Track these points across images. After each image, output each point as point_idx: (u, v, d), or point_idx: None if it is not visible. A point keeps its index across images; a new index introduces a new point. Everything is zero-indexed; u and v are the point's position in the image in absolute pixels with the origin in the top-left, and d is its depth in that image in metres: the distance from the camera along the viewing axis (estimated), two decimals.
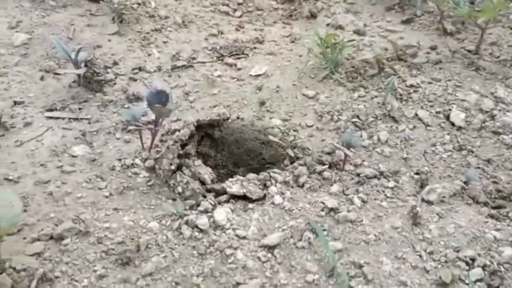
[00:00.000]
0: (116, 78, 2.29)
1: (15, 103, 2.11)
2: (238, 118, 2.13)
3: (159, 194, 1.80)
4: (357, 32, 2.73)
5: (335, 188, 1.83)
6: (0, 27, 2.48)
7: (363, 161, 1.96)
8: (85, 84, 2.23)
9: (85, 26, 2.57)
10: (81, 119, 2.09)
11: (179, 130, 2.02)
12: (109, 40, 2.50)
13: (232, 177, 2.02)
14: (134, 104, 2.12)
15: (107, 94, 2.21)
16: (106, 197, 1.76)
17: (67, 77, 2.28)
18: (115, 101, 2.18)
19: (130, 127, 1.90)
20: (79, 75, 2.23)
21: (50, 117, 2.08)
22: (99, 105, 2.16)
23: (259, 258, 1.55)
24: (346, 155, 1.90)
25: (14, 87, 2.21)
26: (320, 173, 1.90)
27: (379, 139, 2.05)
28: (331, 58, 2.33)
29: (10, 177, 1.80)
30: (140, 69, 2.34)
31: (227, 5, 2.85)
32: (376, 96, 2.22)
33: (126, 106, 2.13)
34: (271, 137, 2.04)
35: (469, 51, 2.60)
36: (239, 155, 2.14)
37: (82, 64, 2.21)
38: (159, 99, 1.84)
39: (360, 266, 1.55)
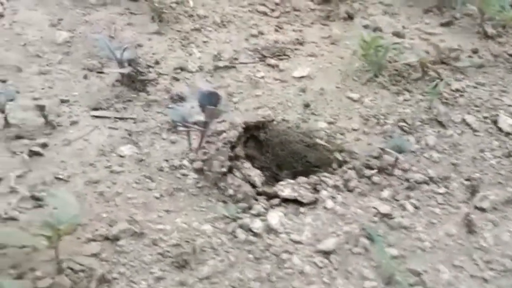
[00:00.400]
0: (158, 77, 2.28)
1: (62, 101, 2.12)
2: (283, 120, 2.12)
3: (208, 196, 1.79)
4: (396, 34, 2.69)
5: (385, 193, 1.81)
6: (42, 24, 2.49)
7: (411, 166, 1.93)
8: (129, 83, 2.23)
9: (125, 24, 2.56)
10: (127, 118, 2.08)
11: (225, 132, 2.02)
12: (150, 39, 2.50)
13: (276, 179, 2.01)
14: (178, 104, 2.11)
15: (150, 94, 2.20)
16: (157, 198, 1.76)
17: (110, 76, 2.27)
18: (159, 101, 2.17)
19: (180, 128, 1.89)
20: (122, 74, 2.23)
21: (96, 116, 2.08)
22: (143, 104, 2.15)
23: (315, 263, 1.54)
24: (396, 159, 1.88)
25: (58, 86, 2.22)
26: (369, 177, 1.88)
27: (427, 144, 2.02)
28: (375, 61, 2.30)
29: (61, 176, 1.80)
30: (181, 69, 2.33)
31: (264, 5, 2.83)
32: (421, 100, 2.20)
33: (170, 106, 2.13)
34: (318, 140, 2.02)
35: (511, 55, 2.57)
36: (283, 157, 2.12)
37: (126, 64, 2.21)
38: (210, 100, 1.83)
39: (418, 274, 1.53)
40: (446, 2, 2.99)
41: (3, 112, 1.96)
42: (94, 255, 1.52)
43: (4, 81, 2.20)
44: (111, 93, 2.19)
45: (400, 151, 1.89)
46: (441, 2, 2.95)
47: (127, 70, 2.18)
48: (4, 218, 1.61)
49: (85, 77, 2.27)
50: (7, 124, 1.99)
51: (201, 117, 1.88)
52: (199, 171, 1.87)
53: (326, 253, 1.57)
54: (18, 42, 2.38)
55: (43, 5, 2.62)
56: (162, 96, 2.20)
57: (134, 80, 2.23)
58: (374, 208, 1.73)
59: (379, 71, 2.31)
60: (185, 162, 1.90)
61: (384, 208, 1.72)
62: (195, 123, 1.93)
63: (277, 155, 2.12)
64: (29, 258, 1.50)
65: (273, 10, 2.82)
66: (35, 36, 2.42)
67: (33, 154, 1.87)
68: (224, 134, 1.96)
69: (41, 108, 1.98)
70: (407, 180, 1.87)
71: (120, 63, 2.19)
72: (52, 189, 1.74)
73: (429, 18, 2.89)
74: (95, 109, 2.11)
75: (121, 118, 2.08)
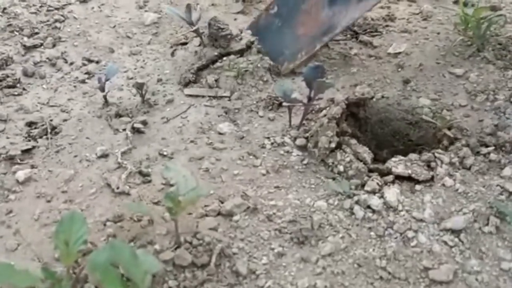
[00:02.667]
0: (241, 33, 2.22)
1: (157, 80, 2.10)
2: (382, 97, 2.02)
3: (316, 173, 1.71)
4: (493, 8, 2.53)
5: (507, 171, 1.67)
6: (129, 6, 2.50)
7: None
8: (211, 43, 2.17)
9: (209, 5, 2.54)
10: (221, 97, 2.04)
11: (324, 109, 1.95)
12: (235, 19, 2.45)
13: (376, 160, 1.92)
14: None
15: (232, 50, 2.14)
16: (263, 175, 1.70)
17: (192, 44, 2.23)
18: (250, 70, 2.11)
19: (284, 103, 1.83)
20: (201, 37, 2.17)
21: (190, 95, 2.05)
22: (235, 76, 2.09)
23: (445, 242, 1.44)
24: None
25: (149, 65, 2.21)
26: (485, 155, 1.75)
27: None
28: (478, 35, 2.16)
29: (165, 153, 1.78)
30: None
31: None
32: None
33: (266, 80, 2.06)
34: (424, 117, 1.91)
35: None
36: (383, 136, 2.01)
37: (206, 25, 2.16)
38: (316, 73, 1.76)
39: None
40: None
41: (103, 90, 1.97)
42: (211, 230, 1.48)
43: (98, 62, 2.21)
44: (194, 58, 2.15)
45: None
46: None
47: (197, 26, 2.11)
48: (117, 193, 1.60)
49: (172, 54, 2.25)
50: (106, 103, 1.99)
51: (300, 96, 1.82)
52: (302, 148, 1.80)
53: (455, 232, 1.46)
54: (108, 24, 2.39)
55: None
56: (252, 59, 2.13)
57: (217, 38, 2.17)
58: (499, 186, 1.61)
59: (482, 45, 2.17)
60: (287, 139, 1.84)
61: (511, 186, 1.59)
62: (296, 100, 1.87)
63: (376, 134, 2.02)
64: (145, 231, 1.48)
65: None
66: (124, 18, 2.43)
67: (135, 131, 1.87)
68: (324, 111, 1.89)
69: (139, 86, 1.97)
70: None
71: (191, 24, 2.14)
72: (158, 165, 1.73)
73: None
74: (186, 85, 2.09)
75: (215, 97, 2.05)
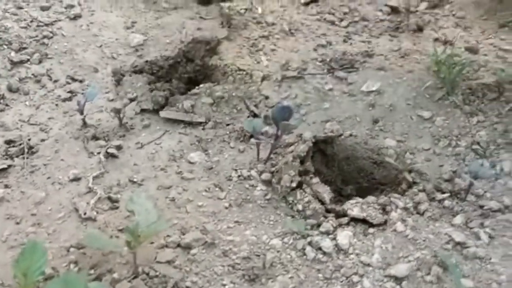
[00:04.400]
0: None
1: (134, 103, 2.18)
2: (351, 135, 2.10)
3: (277, 209, 1.80)
4: (470, 49, 2.60)
5: (458, 219, 1.76)
6: (117, 27, 2.58)
7: (485, 192, 1.87)
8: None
9: (196, 29, 2.61)
10: (196, 123, 2.13)
11: (293, 144, 2.03)
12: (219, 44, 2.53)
13: (340, 194, 2.00)
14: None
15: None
16: (226, 208, 1.78)
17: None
18: (226, 99, 2.20)
19: (253, 140, 1.91)
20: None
21: (167, 120, 2.13)
22: (211, 103, 2.17)
23: None
24: (470, 184, 1.82)
25: (131, 87, 2.29)
26: (440, 201, 1.83)
27: (502, 170, 1.95)
28: (449, 79, 2.24)
29: (135, 180, 1.86)
30: (250, 76, 2.35)
31: (333, 14, 2.81)
32: (496, 123, 2.12)
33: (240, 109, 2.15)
34: (387, 158, 1.99)
35: None
36: (348, 172, 2.10)
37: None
38: (284, 114, 1.84)
39: None
40: None
41: (82, 113, 2.05)
42: (169, 262, 1.56)
43: (81, 81, 2.29)
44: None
45: (475, 176, 1.83)
46: None
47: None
48: (83, 218, 1.69)
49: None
50: (84, 125, 2.08)
51: (271, 130, 1.90)
52: (267, 182, 1.89)
53: (398, 279, 1.54)
54: (95, 43, 2.47)
55: (118, 7, 2.71)
56: (230, 92, 2.22)
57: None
58: (447, 235, 1.69)
59: (452, 89, 2.25)
60: (253, 172, 1.92)
61: (458, 236, 1.67)
62: (261, 134, 1.95)
63: (342, 170, 2.10)
64: (106, 259, 1.56)
65: (341, 20, 2.79)
66: (111, 38, 2.51)
67: (109, 155, 1.95)
68: (292, 147, 1.97)
69: (117, 111, 2.05)
70: (480, 207, 1.81)
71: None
72: (127, 191, 1.81)
73: (504, 34, 2.78)
74: (162, 107, 2.17)
75: (190, 123, 2.13)
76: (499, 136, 2.07)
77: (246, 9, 2.71)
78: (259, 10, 2.73)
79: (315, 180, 1.89)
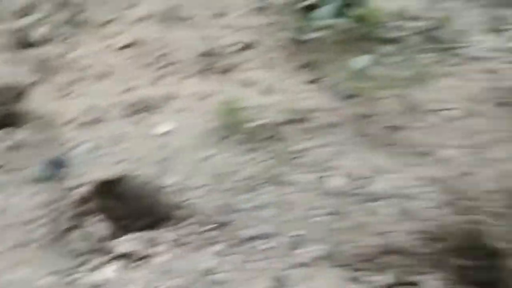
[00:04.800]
0: None
1: None
2: (138, 175, 2.34)
3: (54, 248, 1.98)
4: (265, 91, 2.98)
5: (216, 248, 2.07)
6: None
7: (244, 222, 2.21)
8: None
9: (7, 74, 2.71)
10: None
11: (81, 186, 2.23)
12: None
13: (127, 230, 2.24)
14: None
15: None
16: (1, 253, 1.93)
17: None
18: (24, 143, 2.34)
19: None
20: None
21: None
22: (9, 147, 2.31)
23: None
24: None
25: None
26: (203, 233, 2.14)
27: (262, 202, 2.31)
28: (231, 121, 2.58)
29: None
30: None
31: (147, 57, 3.05)
32: (265, 160, 2.48)
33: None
34: (166, 196, 2.26)
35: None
36: (137, 210, 2.33)
37: None
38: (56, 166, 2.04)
39: None
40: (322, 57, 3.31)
41: None
42: None
43: None
44: None
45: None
46: (311, 63, 3.27)
47: None
48: None
49: None
50: None
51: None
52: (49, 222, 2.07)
53: None
54: None
55: None
56: None
57: None
58: (201, 263, 1.98)
59: (233, 130, 2.59)
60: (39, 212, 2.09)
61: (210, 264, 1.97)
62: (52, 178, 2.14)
63: (131, 208, 2.34)
64: None
65: (154, 63, 3.03)
66: None
67: None
68: (76, 190, 2.17)
69: None
70: (236, 237, 2.14)
71: None
72: None
73: (306, 74, 3.15)
74: None
75: None
76: (266, 171, 2.45)
77: (61, 54, 2.86)
78: (74, 55, 2.89)
79: (96, 219, 2.11)
